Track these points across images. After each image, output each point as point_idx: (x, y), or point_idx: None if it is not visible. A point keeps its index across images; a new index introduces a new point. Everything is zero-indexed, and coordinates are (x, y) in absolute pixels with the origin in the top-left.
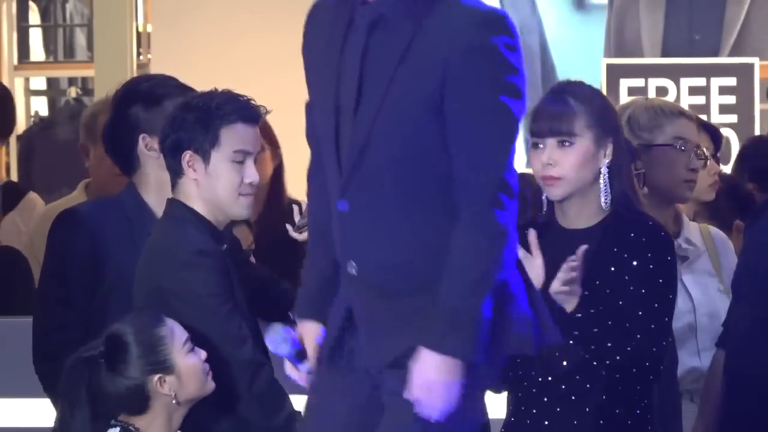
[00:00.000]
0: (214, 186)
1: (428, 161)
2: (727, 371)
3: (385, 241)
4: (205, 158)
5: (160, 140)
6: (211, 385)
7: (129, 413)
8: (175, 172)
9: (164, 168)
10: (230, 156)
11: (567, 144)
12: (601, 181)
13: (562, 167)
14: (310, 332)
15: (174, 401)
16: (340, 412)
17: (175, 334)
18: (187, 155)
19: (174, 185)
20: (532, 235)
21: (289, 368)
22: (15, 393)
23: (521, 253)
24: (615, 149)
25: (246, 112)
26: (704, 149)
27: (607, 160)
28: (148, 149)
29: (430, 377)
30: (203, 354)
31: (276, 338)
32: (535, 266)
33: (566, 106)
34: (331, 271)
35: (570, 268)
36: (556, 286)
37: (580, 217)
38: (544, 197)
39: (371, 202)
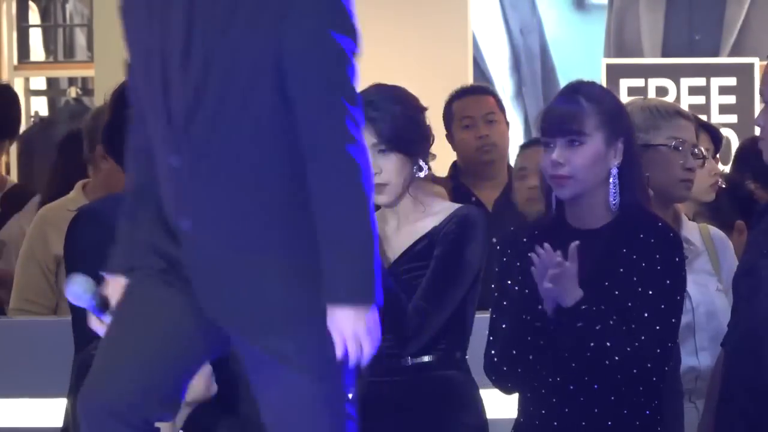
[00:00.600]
0: None
1: (269, 107)
2: (725, 371)
3: (225, 196)
4: None
5: None
6: (214, 388)
7: None
8: None
9: None
10: None
11: (577, 143)
12: (611, 181)
13: (571, 166)
14: (119, 286)
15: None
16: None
17: None
18: None
19: None
20: (573, 245)
21: (93, 321)
22: (15, 393)
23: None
24: (626, 150)
25: None
26: (702, 149)
27: (617, 161)
28: None
29: (352, 330)
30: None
31: (77, 290)
32: (569, 274)
33: (577, 105)
34: (148, 227)
35: (555, 264)
36: (544, 283)
37: (589, 217)
38: (553, 197)
39: (208, 154)
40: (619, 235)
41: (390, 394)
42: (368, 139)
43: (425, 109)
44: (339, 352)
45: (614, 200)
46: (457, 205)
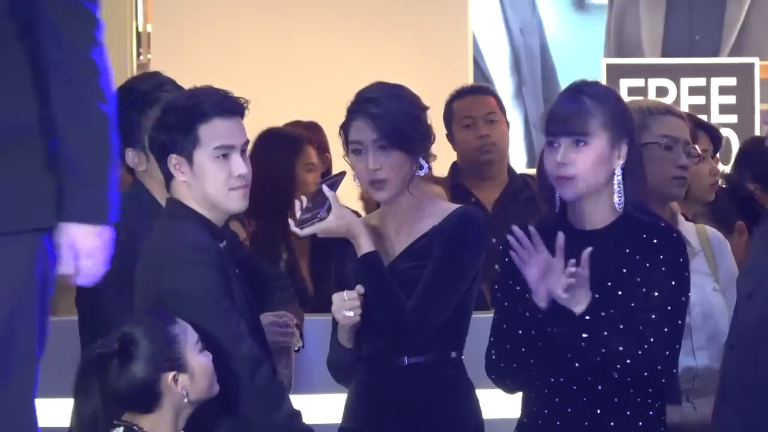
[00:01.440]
0: (203, 185)
1: None
2: (723, 369)
3: None
4: (189, 159)
5: (148, 145)
6: (216, 388)
7: (138, 411)
8: (167, 175)
9: (151, 175)
10: (212, 153)
11: (581, 144)
12: (615, 182)
13: (576, 167)
14: None
15: (186, 399)
16: None
17: (188, 333)
18: (173, 159)
19: (168, 187)
20: (560, 239)
21: None
22: None
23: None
24: (629, 150)
25: (222, 106)
26: (696, 147)
27: (621, 161)
28: (134, 162)
29: (88, 246)
30: (210, 355)
31: None
32: (583, 281)
33: (582, 105)
34: None
35: (570, 273)
36: (558, 291)
37: (592, 217)
38: (557, 197)
39: None
40: (622, 236)
41: (386, 394)
42: (369, 135)
43: (427, 108)
44: (68, 268)
45: (619, 201)
46: (456, 206)
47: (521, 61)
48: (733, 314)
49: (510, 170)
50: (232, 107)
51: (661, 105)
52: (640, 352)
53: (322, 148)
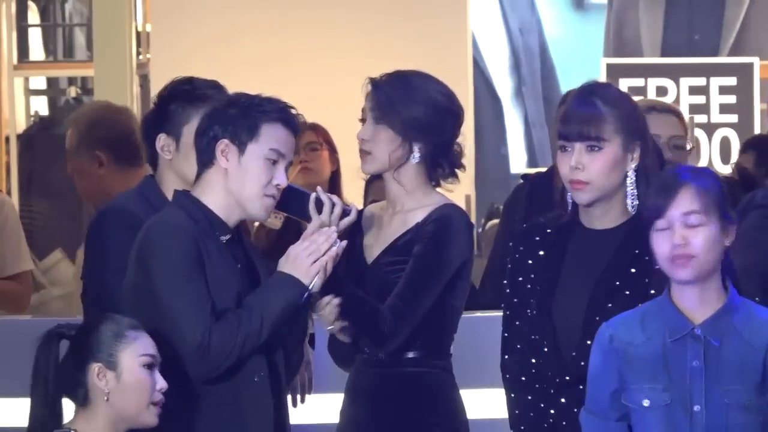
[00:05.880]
0: (243, 178)
1: None
2: None
3: None
4: (241, 149)
5: (195, 133)
6: (148, 419)
7: (72, 399)
8: (204, 162)
9: (172, 167)
10: (266, 153)
11: (596, 149)
12: (628, 184)
13: (589, 172)
14: None
15: (105, 398)
16: None
17: (137, 344)
18: (223, 144)
19: (199, 176)
20: None
21: None
22: (17, 393)
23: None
24: (642, 152)
25: (287, 115)
26: (685, 138)
27: (635, 164)
28: (163, 149)
29: None
30: (159, 384)
31: None
32: None
33: (596, 109)
34: None
35: None
36: None
37: (604, 219)
38: (569, 197)
39: None
40: (632, 236)
41: (364, 388)
42: (368, 104)
43: (457, 111)
44: None
45: (632, 203)
46: (443, 201)
47: (521, 61)
48: None
49: None
50: (294, 123)
51: (645, 102)
52: None
53: (333, 149)
